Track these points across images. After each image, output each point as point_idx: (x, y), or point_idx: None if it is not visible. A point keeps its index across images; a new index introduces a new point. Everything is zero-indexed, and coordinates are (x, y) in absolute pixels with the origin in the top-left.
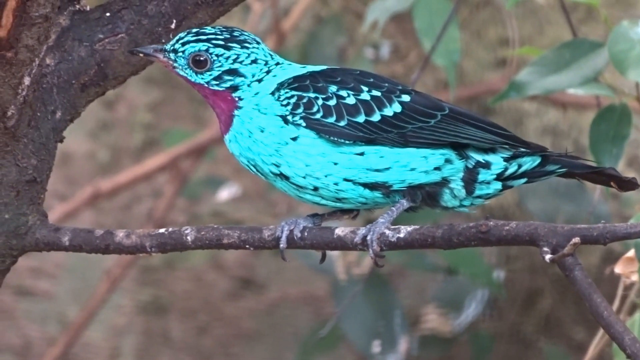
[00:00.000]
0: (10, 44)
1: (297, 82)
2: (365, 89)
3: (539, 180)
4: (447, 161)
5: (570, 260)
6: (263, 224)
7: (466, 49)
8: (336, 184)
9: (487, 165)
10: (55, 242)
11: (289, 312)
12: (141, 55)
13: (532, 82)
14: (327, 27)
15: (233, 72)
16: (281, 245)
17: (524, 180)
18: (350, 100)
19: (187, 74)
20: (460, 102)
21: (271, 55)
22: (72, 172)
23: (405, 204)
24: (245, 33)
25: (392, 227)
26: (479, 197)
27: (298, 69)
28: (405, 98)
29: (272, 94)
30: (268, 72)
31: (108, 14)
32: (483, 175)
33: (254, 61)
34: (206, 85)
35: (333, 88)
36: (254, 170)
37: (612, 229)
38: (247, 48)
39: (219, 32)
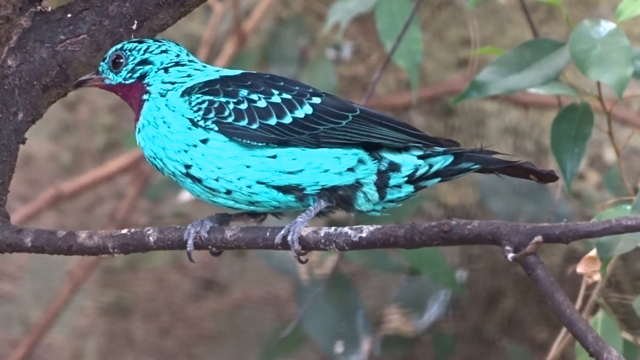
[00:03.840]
0: None
1: (208, 87)
2: (275, 92)
3: (453, 178)
4: (360, 162)
5: (533, 259)
6: None
7: (427, 50)
8: (249, 186)
9: (397, 169)
10: (17, 244)
11: (251, 313)
12: (85, 85)
13: (493, 82)
14: (289, 28)
15: (143, 62)
16: (188, 248)
17: (437, 179)
18: (262, 104)
19: (110, 79)
20: (422, 103)
21: (190, 56)
22: (34, 173)
23: (322, 203)
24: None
25: (355, 226)
26: (392, 201)
27: (212, 73)
28: (316, 100)
29: (182, 95)
30: (178, 64)
31: (69, 15)
32: (394, 179)
33: (164, 51)
34: (123, 82)
35: (244, 92)
36: (160, 166)
37: (574, 228)
38: (160, 42)
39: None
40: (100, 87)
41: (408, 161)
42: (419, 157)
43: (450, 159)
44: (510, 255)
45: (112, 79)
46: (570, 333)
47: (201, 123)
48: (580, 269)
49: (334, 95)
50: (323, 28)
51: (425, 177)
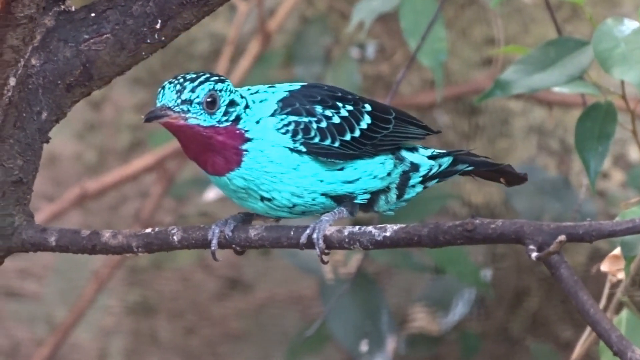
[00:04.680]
0: None
1: (287, 107)
2: (340, 104)
3: (445, 179)
4: (395, 165)
5: (556, 258)
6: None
7: (452, 48)
8: (314, 199)
9: (417, 169)
10: (41, 243)
11: (276, 312)
12: (156, 121)
13: (517, 81)
14: (313, 27)
15: (233, 103)
16: (212, 248)
17: (436, 180)
18: (336, 120)
19: (200, 120)
20: (447, 101)
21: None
22: (59, 173)
23: (345, 212)
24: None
25: (378, 225)
26: (404, 200)
27: (270, 90)
28: (368, 107)
29: (273, 125)
30: (243, 97)
31: (93, 15)
32: (413, 179)
33: (233, 90)
34: (218, 125)
35: (319, 109)
36: (266, 195)
37: (598, 227)
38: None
39: (200, 73)
40: (177, 126)
41: (424, 161)
42: (429, 158)
43: (451, 159)
44: (534, 255)
45: (203, 120)
46: (594, 332)
47: (293, 146)
48: (604, 267)
49: (365, 97)
50: (347, 27)
51: (432, 177)
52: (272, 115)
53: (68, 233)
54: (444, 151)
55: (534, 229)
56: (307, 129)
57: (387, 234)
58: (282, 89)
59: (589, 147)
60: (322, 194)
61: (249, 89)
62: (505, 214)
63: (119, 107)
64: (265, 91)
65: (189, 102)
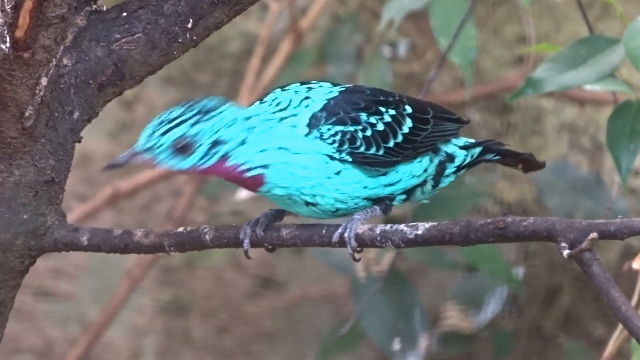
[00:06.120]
0: (27, 45)
1: (332, 116)
2: (383, 109)
3: (472, 168)
4: (431, 160)
5: (588, 256)
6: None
7: (484, 47)
8: (357, 203)
9: (452, 159)
10: (73, 242)
11: (309, 310)
12: (119, 166)
13: (549, 79)
14: (345, 25)
15: (217, 143)
16: (245, 247)
17: (464, 170)
18: (380, 126)
19: (172, 164)
20: (479, 100)
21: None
22: (91, 172)
23: (378, 210)
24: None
25: (410, 224)
26: (438, 189)
27: (310, 104)
28: (409, 109)
29: (308, 134)
30: (248, 127)
31: (125, 14)
32: (449, 169)
33: (219, 129)
34: (198, 166)
35: (364, 116)
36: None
37: (630, 224)
38: (220, 112)
39: (186, 110)
40: (152, 166)
41: (458, 152)
42: (461, 148)
43: (481, 149)
44: (565, 252)
45: (176, 163)
46: (626, 329)
47: (337, 155)
48: (636, 265)
49: (406, 95)
50: (378, 26)
51: (464, 166)
52: (314, 125)
53: (100, 232)
54: (476, 141)
55: (565, 226)
56: (353, 139)
57: (419, 232)
58: (321, 98)
59: (621, 145)
60: (366, 198)
61: (277, 102)
62: (537, 211)
63: (151, 107)
64: (297, 106)
65: (157, 147)
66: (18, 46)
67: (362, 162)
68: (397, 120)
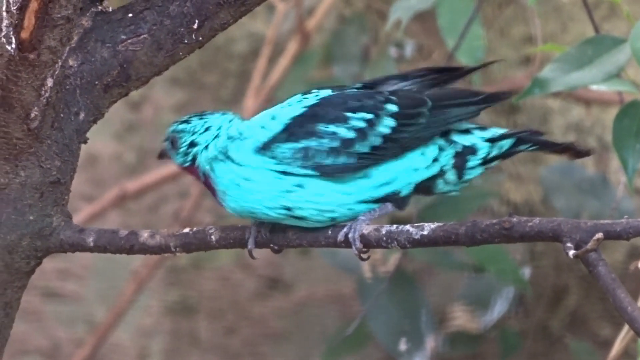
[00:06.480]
0: (32, 46)
1: (292, 135)
2: (356, 116)
3: (507, 158)
4: (441, 149)
5: (594, 256)
6: None
7: (491, 47)
8: (350, 209)
9: (473, 152)
10: (79, 243)
11: (316, 311)
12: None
13: (555, 79)
14: (351, 26)
15: (192, 144)
16: (249, 246)
17: (498, 161)
18: (351, 134)
19: (172, 157)
20: None
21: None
22: (98, 173)
23: (390, 207)
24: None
25: (416, 224)
26: (466, 181)
27: (278, 117)
28: (393, 108)
29: (258, 151)
30: (216, 135)
31: (130, 15)
32: (472, 161)
33: (199, 131)
34: (182, 164)
35: (331, 128)
36: (263, 216)
37: (636, 224)
38: (204, 118)
39: (197, 113)
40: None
41: (480, 144)
42: (487, 140)
43: (513, 140)
44: (571, 252)
45: (173, 157)
46: (632, 329)
47: (294, 171)
48: None
49: (400, 91)
50: (385, 26)
51: (493, 159)
52: (266, 147)
53: (106, 233)
54: (507, 132)
55: (571, 226)
56: (316, 152)
57: (425, 232)
58: (287, 115)
59: (627, 145)
60: (360, 202)
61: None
62: (544, 212)
63: (158, 107)
64: (262, 118)
65: (164, 138)
66: (24, 47)
67: (330, 173)
68: (373, 123)
